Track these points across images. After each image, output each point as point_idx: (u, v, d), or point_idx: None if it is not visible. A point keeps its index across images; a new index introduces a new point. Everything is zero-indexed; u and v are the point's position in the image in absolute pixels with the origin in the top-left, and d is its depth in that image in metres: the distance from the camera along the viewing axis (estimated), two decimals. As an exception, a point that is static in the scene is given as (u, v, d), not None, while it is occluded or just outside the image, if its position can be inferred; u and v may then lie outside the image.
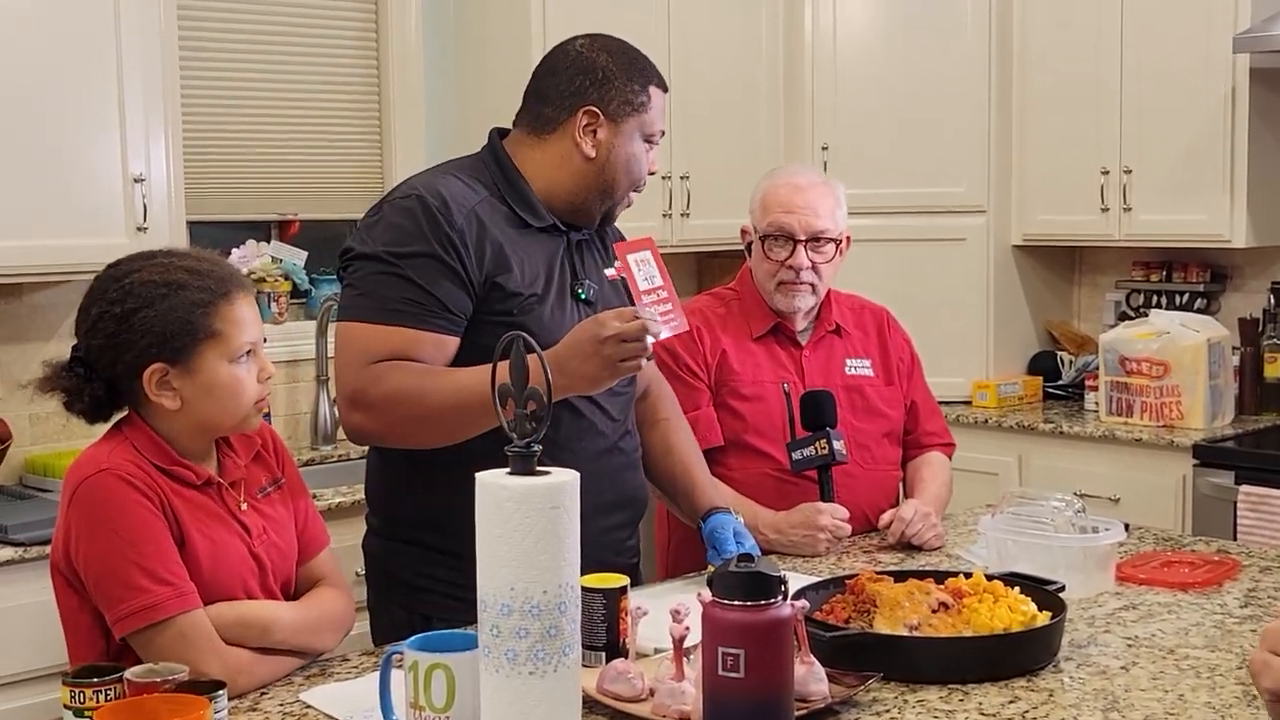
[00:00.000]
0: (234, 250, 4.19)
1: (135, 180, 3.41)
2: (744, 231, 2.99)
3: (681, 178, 4.56)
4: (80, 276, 3.54)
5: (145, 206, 3.41)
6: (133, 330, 1.98)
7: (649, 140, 2.45)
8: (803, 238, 2.85)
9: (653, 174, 2.49)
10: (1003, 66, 4.76)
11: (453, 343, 2.29)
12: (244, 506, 2.09)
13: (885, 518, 2.79)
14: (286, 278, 4.21)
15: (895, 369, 3.02)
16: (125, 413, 2.07)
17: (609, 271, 2.47)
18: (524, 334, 1.65)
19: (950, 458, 3.10)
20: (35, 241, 3.28)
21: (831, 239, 2.88)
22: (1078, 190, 4.65)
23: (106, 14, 3.35)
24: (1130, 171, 4.51)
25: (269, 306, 4.17)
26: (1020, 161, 4.80)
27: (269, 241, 4.29)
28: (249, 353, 2.05)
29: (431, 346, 2.26)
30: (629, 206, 2.52)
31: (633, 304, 2.26)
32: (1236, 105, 4.26)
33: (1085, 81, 4.60)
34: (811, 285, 2.88)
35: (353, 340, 2.28)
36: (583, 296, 2.41)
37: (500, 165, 2.41)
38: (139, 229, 3.38)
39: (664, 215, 4.57)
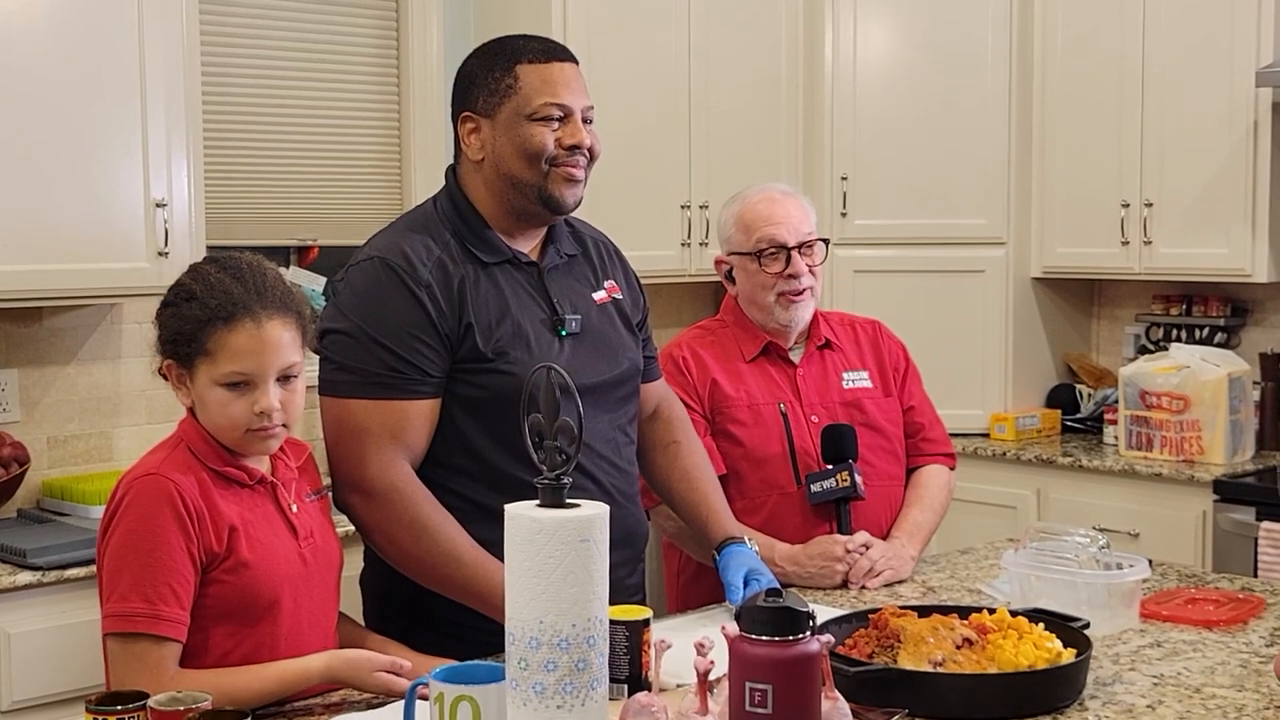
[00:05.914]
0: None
1: (157, 205, 3.41)
2: (719, 261, 2.98)
3: (700, 207, 4.56)
4: (100, 301, 3.56)
5: (167, 231, 3.42)
6: (159, 322, 2.06)
7: (537, 118, 2.31)
8: (794, 244, 2.87)
9: (578, 145, 2.32)
10: (1023, 99, 4.75)
11: (437, 403, 2.29)
12: (294, 509, 2.11)
13: (854, 543, 2.74)
14: (305, 303, 4.21)
15: (890, 377, 3.00)
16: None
17: (598, 295, 2.46)
18: (555, 367, 1.64)
19: (952, 469, 3.04)
20: (56, 265, 3.28)
21: (818, 240, 2.92)
22: (1098, 223, 4.64)
23: (130, 40, 3.36)
24: (1151, 205, 4.50)
25: (287, 332, 4.16)
26: (1040, 194, 4.80)
27: (288, 267, 4.29)
28: (243, 383, 2.01)
29: (419, 414, 2.26)
30: (575, 182, 2.34)
31: (634, 332, 2.41)
32: (1259, 139, 4.25)
33: (1106, 114, 4.60)
34: (811, 290, 2.90)
35: (343, 418, 2.26)
36: (564, 333, 2.37)
37: (454, 202, 2.39)
38: (160, 253, 3.38)
39: (683, 244, 4.57)
